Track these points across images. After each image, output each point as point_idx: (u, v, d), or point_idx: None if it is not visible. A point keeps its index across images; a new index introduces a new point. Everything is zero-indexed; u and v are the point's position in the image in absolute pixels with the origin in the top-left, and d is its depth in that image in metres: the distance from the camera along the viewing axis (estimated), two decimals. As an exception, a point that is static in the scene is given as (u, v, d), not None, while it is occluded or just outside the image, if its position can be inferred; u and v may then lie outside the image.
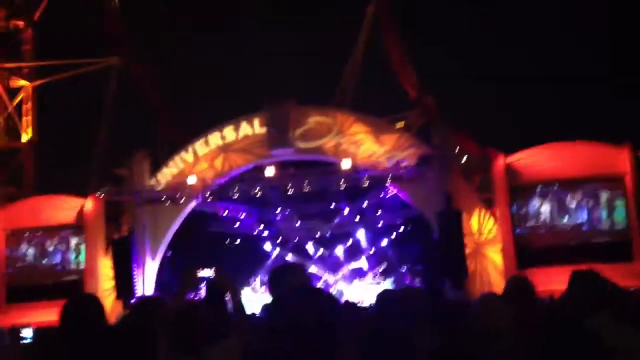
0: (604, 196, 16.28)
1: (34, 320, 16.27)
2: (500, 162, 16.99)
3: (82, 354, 3.11)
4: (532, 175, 16.72)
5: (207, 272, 13.39)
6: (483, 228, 16.94)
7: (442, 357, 2.83)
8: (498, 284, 15.87)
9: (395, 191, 18.33)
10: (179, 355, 3.59)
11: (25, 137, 23.78)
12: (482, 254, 16.79)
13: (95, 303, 3.62)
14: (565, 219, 16.56)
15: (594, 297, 3.89)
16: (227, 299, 4.27)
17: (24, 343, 12.08)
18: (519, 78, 22.28)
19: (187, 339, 3.67)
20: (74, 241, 19.35)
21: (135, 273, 18.29)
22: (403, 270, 20.12)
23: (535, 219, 16.76)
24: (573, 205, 16.45)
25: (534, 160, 16.86)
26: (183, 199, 18.89)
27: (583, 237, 16.30)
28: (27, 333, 14.01)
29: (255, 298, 18.62)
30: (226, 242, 20.85)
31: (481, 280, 16.45)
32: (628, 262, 15.17)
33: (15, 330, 13.06)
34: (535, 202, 16.78)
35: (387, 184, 17.99)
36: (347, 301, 7.97)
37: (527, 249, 16.34)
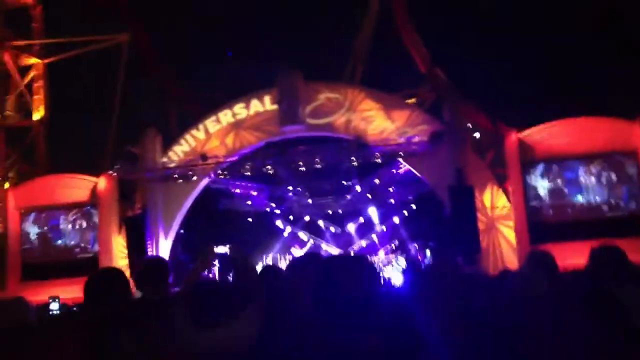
0: (629, 171, 16.22)
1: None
2: (513, 137, 16.92)
3: (109, 328, 3.14)
4: (545, 151, 16.64)
5: (222, 249, 13.52)
6: (495, 204, 16.92)
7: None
8: (511, 260, 15.91)
9: (406, 167, 18.29)
10: (196, 329, 3.61)
11: (36, 116, 23.85)
12: (495, 230, 16.78)
13: (119, 277, 3.65)
14: (580, 196, 16.49)
15: (618, 270, 3.91)
16: (242, 272, 4.30)
17: (52, 316, 12.28)
18: (530, 52, 21.98)
19: (205, 313, 3.70)
20: (96, 219, 19.49)
21: (149, 250, 18.42)
22: (415, 247, 20.15)
23: (548, 194, 16.69)
24: (587, 181, 16.39)
25: (546, 135, 16.77)
26: (195, 177, 18.95)
27: (595, 213, 16.25)
28: (54, 307, 14.19)
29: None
30: (240, 220, 20.92)
31: (494, 256, 16.46)
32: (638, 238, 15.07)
33: (44, 306, 13.31)
34: (547, 178, 16.71)
35: (399, 160, 17.95)
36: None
37: (540, 225, 16.31)
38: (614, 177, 16.29)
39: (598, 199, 16.31)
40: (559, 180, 16.60)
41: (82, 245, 19.55)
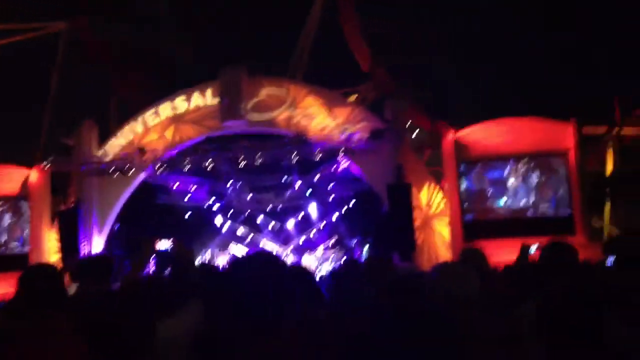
0: (559, 171, 16.70)
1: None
2: (450, 136, 17.26)
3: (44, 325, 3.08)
4: (481, 150, 17.03)
5: (164, 244, 13.35)
6: (432, 201, 17.24)
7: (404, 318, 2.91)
8: (445, 257, 16.25)
9: (347, 164, 18.44)
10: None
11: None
12: (430, 227, 17.08)
13: (53, 273, 3.58)
14: (504, 198, 16.93)
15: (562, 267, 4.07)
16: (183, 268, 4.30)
17: None
18: (472, 52, 22.47)
19: (146, 307, 3.67)
20: (26, 213, 18.87)
21: (81, 245, 17.99)
22: (353, 244, 20.34)
23: (482, 193, 17.11)
24: (512, 182, 16.83)
25: (483, 135, 17.16)
26: (132, 171, 18.59)
27: (519, 214, 16.69)
28: None
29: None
30: (179, 215, 20.65)
31: (429, 253, 16.77)
32: (571, 236, 15.64)
33: None
34: (468, 178, 17.10)
35: (339, 157, 18.08)
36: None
37: (474, 223, 16.73)
38: (542, 177, 16.77)
39: (523, 200, 16.75)
40: (481, 181, 17.00)
41: (11, 239, 18.90)
